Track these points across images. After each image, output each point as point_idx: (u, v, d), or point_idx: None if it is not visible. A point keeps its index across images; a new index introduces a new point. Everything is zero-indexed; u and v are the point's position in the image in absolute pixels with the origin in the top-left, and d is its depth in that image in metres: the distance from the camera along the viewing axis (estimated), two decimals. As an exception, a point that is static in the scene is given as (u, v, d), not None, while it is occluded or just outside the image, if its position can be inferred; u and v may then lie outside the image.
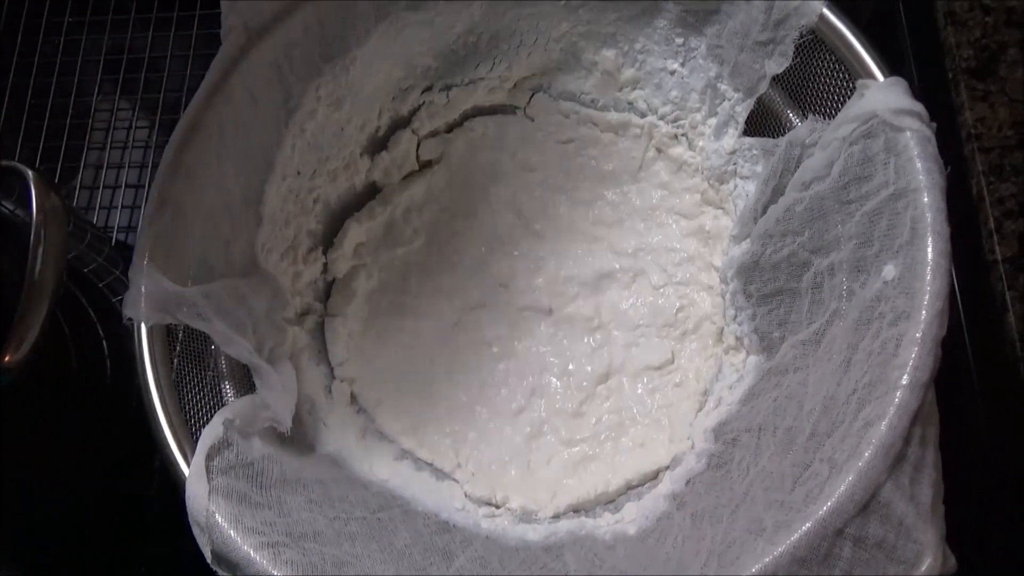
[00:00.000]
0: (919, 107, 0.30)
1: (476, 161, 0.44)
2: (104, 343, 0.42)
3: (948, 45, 0.40)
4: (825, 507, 0.23)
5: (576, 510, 0.35)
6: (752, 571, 0.22)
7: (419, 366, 0.41)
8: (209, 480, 0.28)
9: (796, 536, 0.23)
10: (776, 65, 0.36)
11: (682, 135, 0.43)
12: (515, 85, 0.45)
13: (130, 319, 0.30)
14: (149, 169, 0.49)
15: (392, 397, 0.40)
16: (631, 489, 0.35)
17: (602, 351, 0.40)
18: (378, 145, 0.44)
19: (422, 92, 0.44)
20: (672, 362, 0.40)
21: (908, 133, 0.30)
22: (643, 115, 0.44)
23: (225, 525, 0.26)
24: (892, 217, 0.29)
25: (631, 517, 0.32)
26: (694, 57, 0.41)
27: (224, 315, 0.32)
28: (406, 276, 0.43)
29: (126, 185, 0.48)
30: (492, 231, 0.43)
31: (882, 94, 0.31)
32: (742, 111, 0.39)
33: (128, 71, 0.50)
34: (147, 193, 0.33)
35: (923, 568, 0.22)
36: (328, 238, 0.43)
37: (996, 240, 0.36)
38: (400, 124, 0.44)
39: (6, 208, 0.38)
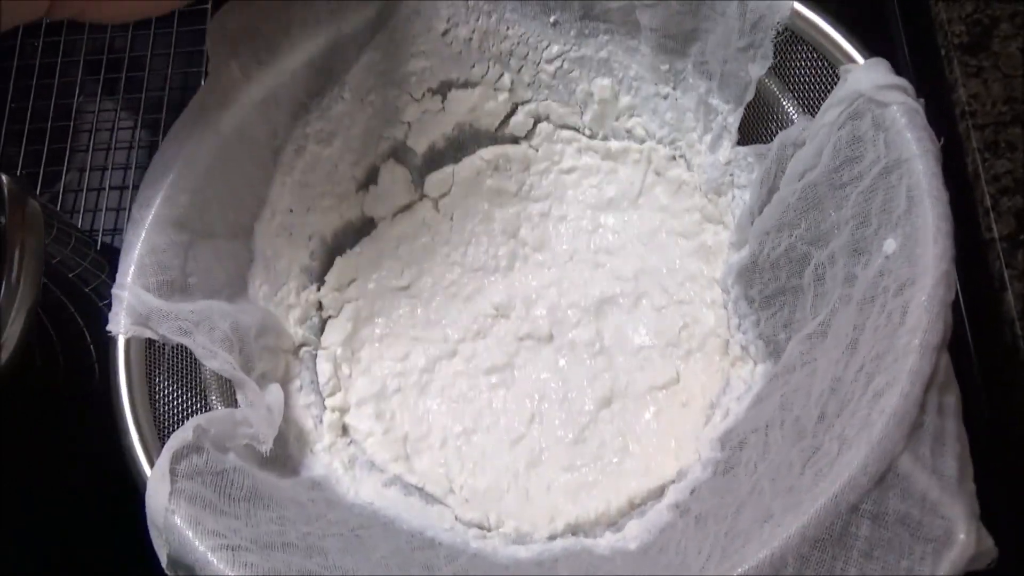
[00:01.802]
0: (903, 81, 0.30)
1: (481, 188, 0.44)
2: (92, 348, 0.41)
3: (939, 21, 0.40)
4: (835, 482, 0.21)
5: (575, 532, 0.32)
6: (760, 556, 0.20)
7: (413, 396, 0.39)
8: (173, 482, 0.26)
9: (806, 517, 0.20)
10: (759, 68, 0.36)
11: (680, 156, 0.43)
12: (514, 109, 0.45)
13: (109, 331, 0.30)
14: (133, 171, 0.47)
15: (384, 427, 0.38)
16: (634, 508, 0.33)
17: (604, 375, 0.39)
18: (374, 178, 0.43)
19: (418, 101, 0.43)
20: (677, 381, 0.38)
21: (894, 107, 0.29)
22: (642, 141, 0.44)
23: (183, 526, 0.25)
24: (887, 191, 0.28)
25: (633, 535, 0.30)
26: (684, 78, 0.41)
27: (208, 330, 0.31)
28: (399, 308, 0.42)
29: (110, 187, 0.47)
30: (491, 260, 0.43)
31: (865, 74, 0.30)
32: (734, 121, 0.38)
33: (109, 71, 0.49)
34: (129, 207, 0.32)
35: (956, 548, 0.19)
36: (324, 274, 0.42)
37: (993, 218, 0.35)
38: (398, 149, 0.44)
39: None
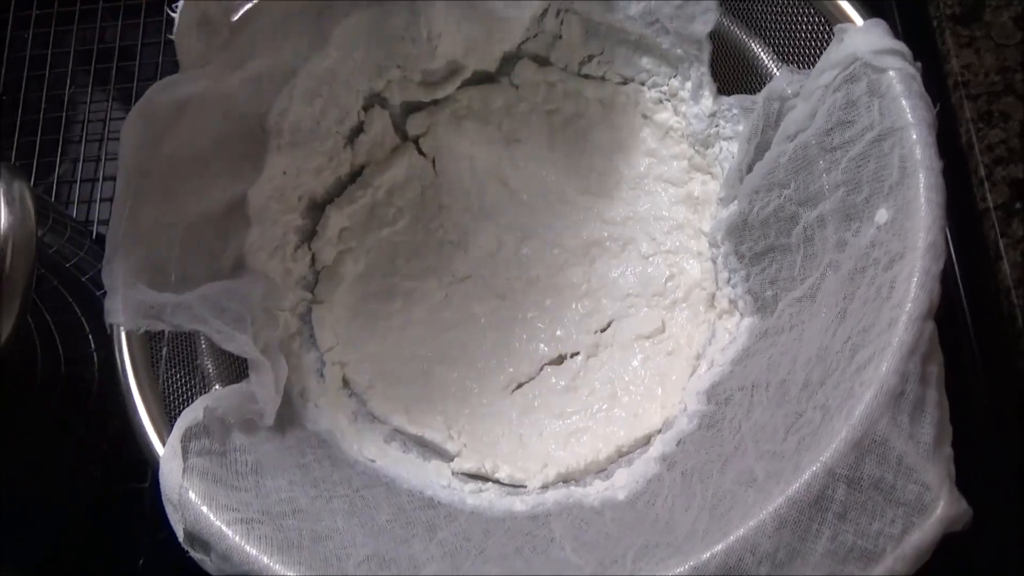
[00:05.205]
0: (901, 46, 0.29)
1: (461, 133, 0.43)
2: (90, 337, 0.41)
3: (931, -9, 0.39)
4: (818, 453, 0.22)
5: (566, 480, 0.34)
6: (749, 525, 0.21)
7: (409, 347, 0.40)
8: (185, 459, 0.27)
9: (790, 488, 0.21)
10: (703, 25, 0.36)
11: (667, 100, 0.42)
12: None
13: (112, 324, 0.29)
14: None
15: (383, 379, 0.39)
16: (622, 456, 0.34)
17: (590, 318, 0.40)
18: (359, 130, 0.42)
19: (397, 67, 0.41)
20: (663, 331, 0.39)
21: (891, 73, 0.29)
22: (626, 82, 0.43)
23: (198, 502, 0.26)
24: (879, 159, 0.28)
25: (621, 483, 0.31)
26: (642, 34, 0.40)
27: (220, 313, 0.31)
28: (393, 257, 0.42)
29: (104, 178, 0.47)
30: (478, 202, 0.43)
31: (862, 37, 0.30)
32: (705, 71, 0.38)
33: (100, 61, 0.50)
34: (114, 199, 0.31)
35: (935, 512, 0.20)
36: (313, 229, 0.42)
37: (987, 188, 0.35)
38: (375, 101, 0.43)
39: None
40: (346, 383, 0.39)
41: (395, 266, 0.42)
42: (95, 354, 0.42)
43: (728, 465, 0.26)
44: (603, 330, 0.40)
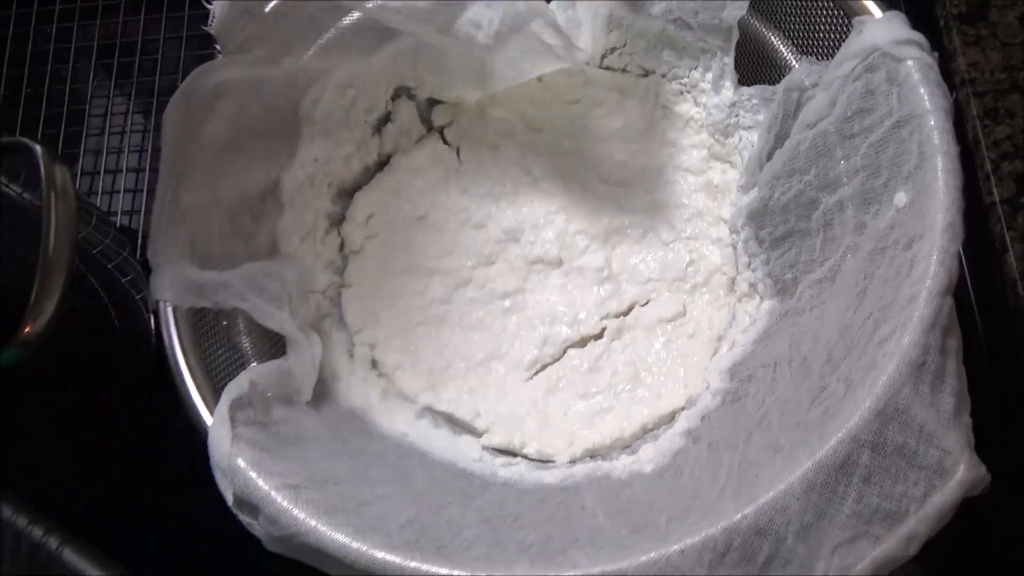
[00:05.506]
0: (919, 36, 0.30)
1: (485, 123, 0.45)
2: (116, 322, 0.42)
3: (938, -9, 0.40)
4: (843, 422, 0.23)
5: (593, 455, 0.35)
6: (779, 488, 0.22)
7: (435, 327, 0.41)
8: (232, 428, 0.28)
9: (818, 454, 0.22)
10: (736, 10, 0.37)
11: (687, 91, 0.43)
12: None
13: (157, 300, 0.30)
14: (149, 153, 0.49)
15: (410, 360, 0.40)
16: (647, 432, 0.36)
17: (611, 301, 0.41)
18: (385, 120, 0.44)
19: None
20: (684, 314, 0.40)
21: (910, 62, 0.30)
22: (647, 74, 0.44)
23: (246, 468, 0.27)
24: (898, 145, 0.30)
25: (648, 457, 0.33)
26: (664, 29, 0.41)
27: (259, 292, 0.32)
28: (418, 240, 0.43)
29: (127, 169, 0.48)
30: (501, 188, 0.44)
31: (881, 28, 0.31)
32: (729, 62, 0.39)
33: (122, 55, 0.51)
34: (147, 185, 0.32)
35: (956, 476, 0.22)
36: (342, 215, 0.43)
37: (993, 182, 0.36)
38: (403, 92, 0.44)
39: (13, 191, 0.38)
40: (375, 364, 0.40)
41: (421, 251, 0.43)
42: (121, 339, 0.42)
43: (753, 437, 0.27)
44: (625, 314, 0.41)
